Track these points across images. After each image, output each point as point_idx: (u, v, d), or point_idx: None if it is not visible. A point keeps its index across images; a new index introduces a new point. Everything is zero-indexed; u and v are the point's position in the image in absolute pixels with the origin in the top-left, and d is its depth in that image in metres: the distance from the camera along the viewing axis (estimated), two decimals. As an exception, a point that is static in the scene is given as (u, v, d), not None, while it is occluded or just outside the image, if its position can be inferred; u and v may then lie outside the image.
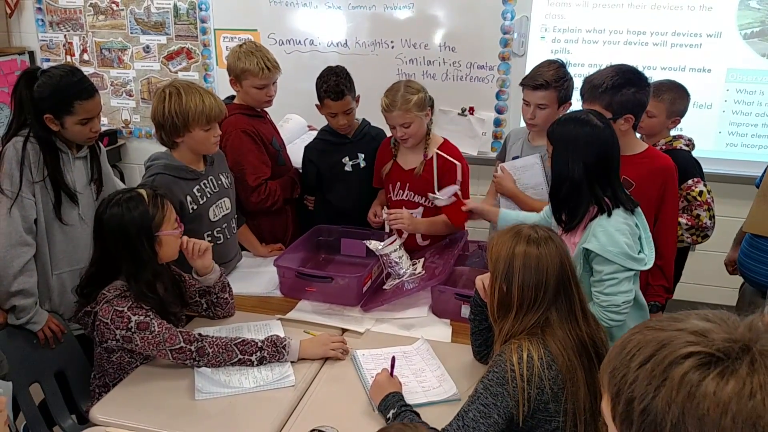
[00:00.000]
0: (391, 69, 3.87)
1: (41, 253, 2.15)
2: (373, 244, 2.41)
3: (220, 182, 2.45)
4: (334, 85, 2.63)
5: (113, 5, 4.25)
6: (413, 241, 2.71)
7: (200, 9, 4.11)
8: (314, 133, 3.19)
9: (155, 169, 2.28)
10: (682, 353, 0.72)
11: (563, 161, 1.95)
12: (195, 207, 2.33)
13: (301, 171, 2.96)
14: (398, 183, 2.70)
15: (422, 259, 2.49)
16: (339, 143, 2.83)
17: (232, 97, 2.82)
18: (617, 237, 1.89)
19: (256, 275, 2.59)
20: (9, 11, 4.39)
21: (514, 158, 2.67)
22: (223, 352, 1.87)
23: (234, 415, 1.74)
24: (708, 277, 3.31)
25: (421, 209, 2.67)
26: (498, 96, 3.80)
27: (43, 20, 4.40)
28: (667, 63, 3.54)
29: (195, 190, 2.34)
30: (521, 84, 2.56)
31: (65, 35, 4.41)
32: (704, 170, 2.67)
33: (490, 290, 1.65)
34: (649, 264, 1.96)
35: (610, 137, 1.95)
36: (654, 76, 3.55)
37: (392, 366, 1.80)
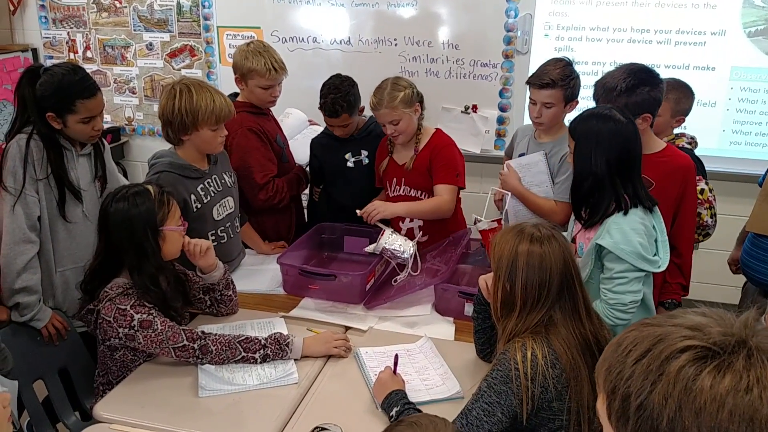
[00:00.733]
0: (395, 67, 3.86)
1: (45, 250, 2.15)
2: (370, 248, 2.41)
3: (223, 181, 2.45)
4: (330, 103, 2.64)
5: (116, 2, 4.25)
6: (412, 237, 2.70)
7: (203, 6, 4.11)
8: (316, 128, 3.21)
9: (159, 167, 2.28)
10: (679, 347, 0.72)
11: (586, 157, 1.95)
12: (199, 206, 2.33)
13: (304, 167, 2.98)
14: (394, 179, 2.71)
15: (414, 240, 2.48)
16: (342, 139, 2.84)
17: (235, 95, 2.82)
18: (632, 236, 1.89)
19: (259, 273, 2.59)
20: (12, 8, 4.39)
21: (520, 155, 2.67)
22: (227, 350, 1.87)
23: (237, 412, 1.74)
24: (711, 275, 3.30)
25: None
26: (501, 94, 3.80)
27: (46, 17, 4.40)
28: (671, 61, 3.53)
29: (199, 188, 2.34)
30: (528, 82, 2.54)
31: (68, 32, 4.41)
32: (708, 168, 2.66)
33: (493, 289, 1.65)
34: (663, 267, 1.95)
35: (633, 133, 1.95)
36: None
37: (395, 364, 1.80)
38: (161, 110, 2.27)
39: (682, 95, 2.65)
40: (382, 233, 2.40)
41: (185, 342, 1.85)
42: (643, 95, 2.17)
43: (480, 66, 3.78)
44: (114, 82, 4.43)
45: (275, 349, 1.91)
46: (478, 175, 3.90)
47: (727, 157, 3.59)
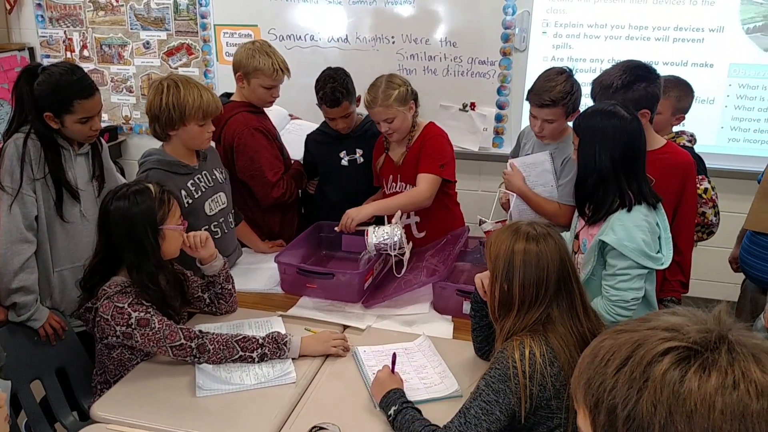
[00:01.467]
0: (392, 64, 3.86)
1: (42, 250, 2.15)
2: (366, 254, 2.41)
3: (214, 177, 2.45)
4: (330, 92, 2.64)
5: (113, 1, 4.24)
6: (409, 234, 2.70)
7: (200, 4, 4.10)
8: (299, 122, 3.22)
9: (148, 165, 2.28)
10: (659, 350, 0.71)
11: (590, 153, 1.94)
12: (190, 201, 2.32)
13: (300, 163, 2.99)
14: (390, 176, 2.72)
15: (398, 219, 2.46)
16: (338, 137, 2.84)
17: (228, 95, 2.82)
18: (635, 233, 1.88)
19: (257, 271, 2.59)
20: (8, 7, 4.38)
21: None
22: (224, 349, 1.86)
23: (235, 411, 1.73)
24: (711, 272, 3.30)
25: None
26: (499, 91, 3.79)
27: (42, 16, 4.39)
28: (669, 58, 3.53)
29: (189, 184, 2.33)
30: (527, 99, 2.50)
31: (65, 31, 4.40)
32: (707, 165, 2.66)
33: (490, 290, 1.64)
34: (666, 264, 1.94)
35: (638, 130, 1.95)
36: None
37: (393, 362, 1.80)
38: (149, 106, 2.27)
39: (682, 93, 2.65)
40: (366, 234, 2.39)
41: (183, 341, 1.84)
42: (640, 91, 2.16)
43: (478, 63, 3.78)
44: (111, 81, 4.42)
45: (273, 348, 1.90)
46: (476, 173, 3.90)
47: (725, 154, 3.59)
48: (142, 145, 4.46)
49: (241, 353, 1.87)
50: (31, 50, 4.49)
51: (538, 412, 1.50)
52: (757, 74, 3.48)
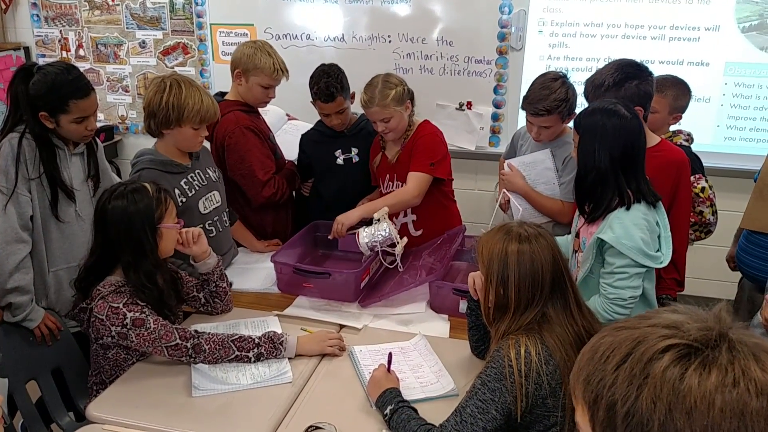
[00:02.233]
0: (389, 63, 3.86)
1: (37, 250, 2.14)
2: (364, 254, 2.41)
3: (207, 176, 2.45)
4: (324, 87, 2.63)
5: (109, 0, 4.23)
6: (405, 232, 2.71)
7: (196, 4, 4.10)
8: (296, 123, 3.21)
9: (140, 164, 2.28)
10: (660, 347, 0.71)
11: (590, 151, 1.94)
12: (184, 200, 2.32)
13: (294, 163, 2.98)
14: (387, 175, 2.72)
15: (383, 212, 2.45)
16: (333, 136, 2.83)
17: (222, 95, 2.81)
18: (633, 231, 1.88)
19: (253, 271, 2.58)
20: (4, 6, 4.37)
21: None
22: (220, 349, 1.86)
23: (231, 411, 1.73)
24: (707, 271, 3.31)
25: None
26: (496, 90, 3.79)
27: (38, 15, 4.38)
28: (666, 57, 3.53)
29: (182, 183, 2.33)
30: (522, 108, 2.50)
31: (60, 31, 4.39)
32: (703, 164, 2.66)
33: (483, 293, 1.64)
34: (665, 263, 1.94)
35: (638, 128, 1.95)
36: (652, 70, 3.56)
37: (389, 362, 1.80)
38: (147, 101, 2.26)
39: (679, 92, 2.65)
40: (357, 236, 2.39)
41: (178, 341, 1.84)
42: (632, 89, 2.17)
43: (474, 62, 3.78)
44: (107, 81, 4.41)
45: (269, 348, 1.90)
46: (473, 172, 3.90)
47: (721, 152, 3.60)
48: (138, 144, 4.44)
49: (237, 353, 1.87)
50: (27, 50, 4.48)
51: (534, 411, 1.50)
52: (752, 73, 3.49)
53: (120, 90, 4.42)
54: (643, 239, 1.89)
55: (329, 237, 2.54)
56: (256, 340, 1.90)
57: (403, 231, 2.66)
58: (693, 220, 2.54)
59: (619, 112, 1.93)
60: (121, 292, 1.86)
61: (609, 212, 1.95)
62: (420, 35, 3.81)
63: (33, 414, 2.05)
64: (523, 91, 2.51)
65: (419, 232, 2.73)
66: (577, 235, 2.13)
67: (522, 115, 2.67)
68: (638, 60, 2.30)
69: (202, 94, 2.27)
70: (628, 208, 1.92)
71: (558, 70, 2.52)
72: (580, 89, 2.43)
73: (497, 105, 3.82)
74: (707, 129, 3.58)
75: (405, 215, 2.73)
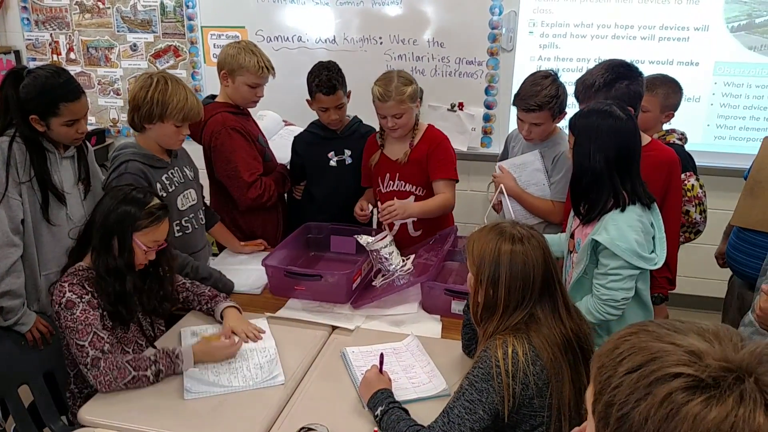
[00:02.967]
0: (380, 65, 3.86)
1: (29, 253, 2.13)
2: (363, 239, 2.41)
3: (184, 173, 2.46)
4: (326, 79, 2.64)
5: (99, 3, 4.23)
6: (405, 232, 2.71)
7: (187, 6, 4.09)
8: (292, 128, 3.21)
9: (125, 156, 2.28)
10: (672, 372, 0.70)
11: (585, 152, 1.95)
12: (164, 195, 2.32)
13: (285, 166, 2.98)
14: (387, 174, 2.71)
15: (412, 256, 2.48)
16: (326, 137, 2.83)
17: (212, 97, 2.81)
18: (628, 233, 1.89)
19: (241, 273, 2.57)
20: (-6, 10, 4.36)
21: None
22: (114, 370, 1.78)
23: (223, 413, 1.73)
24: (698, 269, 3.33)
25: (412, 198, 2.68)
26: (487, 91, 3.80)
27: (28, 19, 4.37)
28: (655, 57, 3.55)
29: (163, 177, 2.34)
30: (514, 104, 2.52)
31: (51, 34, 4.38)
32: (696, 164, 2.67)
33: (473, 292, 1.63)
34: (659, 264, 1.95)
35: (633, 130, 1.96)
36: (642, 70, 3.57)
37: (381, 362, 1.80)
38: (133, 94, 2.27)
39: (670, 90, 2.66)
40: (384, 237, 2.40)
41: (86, 344, 1.81)
42: (622, 89, 2.19)
43: (465, 64, 3.79)
44: (98, 84, 4.40)
45: (167, 363, 1.85)
46: (465, 173, 3.89)
47: (712, 151, 3.61)
48: (130, 147, 4.44)
49: (134, 373, 1.80)
50: (17, 53, 4.46)
51: (520, 411, 1.50)
52: (741, 72, 3.51)
53: (111, 93, 4.41)
54: (638, 241, 1.90)
55: (379, 216, 2.57)
56: (152, 358, 1.84)
57: (402, 231, 2.71)
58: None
59: (614, 114, 1.94)
60: (77, 274, 1.88)
61: (604, 213, 1.96)
62: (411, 37, 3.82)
63: (25, 418, 2.04)
64: (515, 92, 2.52)
65: (418, 233, 2.73)
66: (572, 236, 2.14)
67: (513, 117, 2.68)
68: (628, 60, 2.32)
69: (188, 93, 2.28)
70: (623, 210, 1.93)
71: (549, 69, 2.53)
72: (570, 89, 2.44)
73: (489, 106, 3.83)
74: (697, 128, 3.60)
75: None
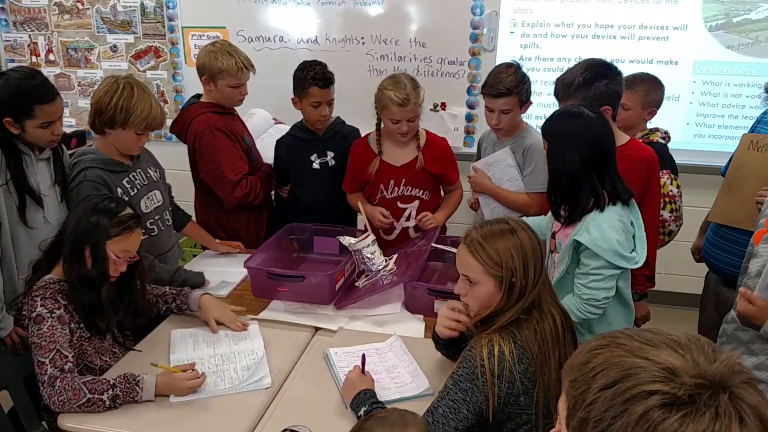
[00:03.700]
0: (363, 65, 3.87)
1: (6, 257, 2.11)
2: (347, 240, 2.42)
3: (148, 175, 2.43)
4: (321, 72, 2.64)
5: (78, 4, 4.18)
6: (406, 235, 2.74)
7: (167, 7, 4.06)
8: (281, 127, 3.20)
9: (84, 163, 2.25)
10: (647, 390, 0.70)
11: (559, 155, 1.96)
12: (126, 198, 2.30)
13: (271, 165, 2.96)
14: (392, 181, 2.68)
15: (395, 256, 2.48)
16: (308, 140, 2.81)
17: (198, 96, 2.80)
18: (609, 233, 1.90)
19: (212, 275, 2.55)
20: (-29, 11, 4.30)
21: None
22: (69, 391, 1.71)
23: (208, 416, 1.72)
24: (676, 266, 3.35)
25: (416, 203, 2.70)
26: (469, 91, 3.82)
27: (6, 20, 4.31)
28: (635, 56, 3.58)
29: (125, 182, 2.31)
30: (482, 93, 2.60)
31: (30, 35, 4.32)
32: (676, 163, 2.69)
33: (483, 299, 1.59)
34: (640, 263, 1.97)
35: (604, 128, 1.97)
36: (622, 68, 3.59)
37: (363, 363, 1.80)
38: (96, 98, 2.24)
39: (650, 87, 2.67)
40: (366, 236, 2.40)
41: (46, 361, 1.75)
42: (601, 88, 2.21)
43: (447, 64, 3.80)
44: (78, 85, 4.35)
45: (125, 389, 1.74)
46: (449, 173, 3.91)
47: (691, 149, 3.65)
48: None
49: (88, 396, 1.71)
50: (-5, 55, 4.41)
51: (506, 409, 1.51)
52: (720, 71, 3.55)
53: (92, 94, 4.35)
54: (619, 241, 1.91)
55: (386, 221, 2.65)
56: (111, 381, 1.75)
57: (402, 234, 2.73)
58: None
59: (583, 114, 1.96)
60: (49, 288, 1.85)
61: (585, 214, 1.97)
62: (393, 37, 3.82)
63: (5, 424, 2.02)
64: (485, 104, 2.61)
65: (414, 222, 2.74)
66: (553, 236, 2.15)
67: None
68: (608, 59, 2.34)
69: (153, 101, 2.24)
70: (602, 210, 1.94)
71: (511, 61, 2.67)
72: (551, 89, 2.46)
73: (471, 106, 3.84)
74: (677, 127, 3.62)
75: (408, 219, 2.74)
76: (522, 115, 2.67)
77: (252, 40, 3.98)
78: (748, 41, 3.46)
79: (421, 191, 2.69)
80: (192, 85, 4.03)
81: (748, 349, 1.90)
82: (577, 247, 1.97)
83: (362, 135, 2.85)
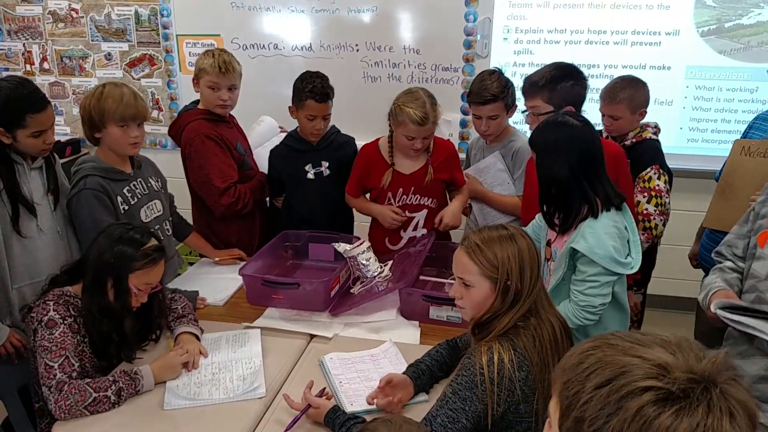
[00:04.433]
0: (357, 72, 3.88)
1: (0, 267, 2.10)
2: (342, 247, 2.42)
3: (149, 185, 2.43)
4: (320, 87, 2.63)
5: (73, 12, 4.19)
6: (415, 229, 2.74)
7: (162, 15, 4.07)
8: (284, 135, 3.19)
9: (84, 171, 2.25)
10: (641, 386, 0.72)
11: (548, 165, 1.98)
12: (126, 207, 2.30)
13: (266, 174, 2.96)
14: (400, 189, 2.68)
15: (390, 262, 2.49)
16: (302, 150, 2.80)
17: (196, 102, 2.81)
18: (605, 240, 1.91)
19: (210, 283, 2.55)
20: (-35, 20, 4.30)
21: None
22: (76, 393, 1.72)
23: (202, 424, 1.71)
24: (672, 271, 3.36)
25: (425, 212, 2.69)
26: (463, 97, 3.82)
27: (0, 29, 4.31)
28: (628, 61, 3.59)
29: (125, 190, 2.31)
30: (469, 102, 2.64)
31: (24, 44, 4.32)
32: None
33: (478, 300, 1.59)
34: (635, 268, 1.97)
35: (590, 134, 1.99)
36: (615, 74, 3.61)
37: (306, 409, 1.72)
38: (80, 109, 2.28)
39: (632, 92, 2.65)
40: (361, 243, 2.41)
41: (55, 365, 1.75)
42: (566, 88, 2.27)
43: (441, 70, 3.81)
44: (72, 94, 4.35)
45: (127, 381, 1.78)
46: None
47: (685, 154, 3.67)
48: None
49: (94, 395, 1.72)
50: (-11, 64, 4.41)
51: (506, 417, 1.50)
52: (712, 76, 3.57)
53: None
54: (615, 247, 1.92)
55: (399, 218, 2.64)
56: (112, 378, 1.78)
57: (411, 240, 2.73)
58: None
59: (568, 123, 1.98)
60: (63, 296, 1.85)
61: (579, 221, 1.98)
62: (387, 43, 3.84)
63: (-2, 434, 2.02)
64: (472, 112, 2.63)
65: (422, 231, 2.74)
66: (549, 244, 2.15)
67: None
68: (602, 65, 2.38)
69: (124, 92, 2.23)
70: (596, 217, 1.95)
71: (493, 68, 2.71)
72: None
73: (465, 112, 3.85)
74: (670, 131, 3.64)
75: (415, 229, 2.74)
76: (509, 119, 2.71)
77: (246, 47, 3.99)
78: (739, 46, 3.48)
79: (429, 199, 2.68)
80: (187, 92, 4.04)
81: (759, 351, 1.89)
82: (573, 254, 1.97)
83: (356, 143, 2.85)
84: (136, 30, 4.15)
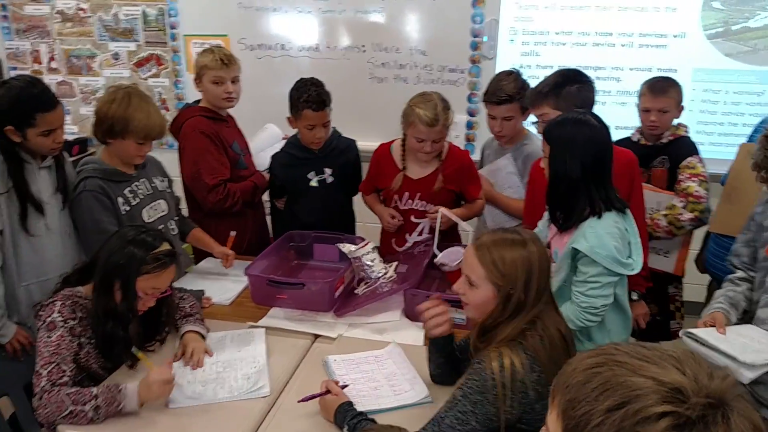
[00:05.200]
0: (363, 73, 3.89)
1: (7, 265, 2.12)
2: (346, 247, 2.42)
3: (153, 185, 2.44)
4: (316, 95, 2.60)
5: (81, 12, 4.21)
6: (389, 246, 2.73)
7: (169, 15, 4.09)
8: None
9: (85, 173, 2.26)
10: (657, 411, 0.70)
11: (561, 161, 1.96)
12: (127, 208, 2.31)
13: (263, 175, 2.95)
14: (406, 193, 2.67)
15: (395, 263, 2.49)
16: (304, 158, 2.79)
17: (197, 102, 2.82)
18: (607, 240, 1.90)
19: (215, 283, 2.56)
20: (-26, 20, 4.32)
21: None
22: (53, 404, 1.68)
23: (206, 423, 1.72)
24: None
25: (427, 220, 2.64)
26: (470, 99, 3.83)
27: (8, 28, 4.34)
28: (635, 63, 3.59)
29: (126, 191, 2.32)
30: (484, 101, 2.61)
31: (32, 43, 4.35)
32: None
33: (479, 304, 1.59)
34: (636, 269, 1.96)
35: (607, 138, 1.98)
36: (622, 76, 3.61)
37: (318, 394, 1.75)
38: (97, 108, 2.26)
39: (678, 89, 2.68)
40: (366, 244, 2.41)
41: (44, 372, 1.74)
42: (572, 92, 2.25)
43: (448, 71, 3.82)
44: (80, 93, 4.37)
45: (108, 398, 1.70)
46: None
47: (691, 157, 3.65)
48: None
49: (71, 408, 1.67)
50: (-2, 63, 4.43)
51: (524, 418, 1.47)
52: (719, 78, 3.56)
53: (93, 102, 4.39)
54: (616, 247, 1.91)
55: (395, 222, 2.63)
56: (94, 392, 1.71)
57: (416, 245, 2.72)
58: (683, 199, 2.56)
59: (589, 122, 1.96)
60: (72, 298, 1.84)
61: (581, 221, 1.97)
62: (394, 45, 3.84)
63: (6, 430, 2.03)
64: (487, 112, 2.62)
65: (427, 237, 2.73)
66: (548, 245, 2.15)
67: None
68: (608, 67, 2.37)
69: (152, 110, 2.25)
70: (599, 217, 1.95)
71: (511, 68, 2.67)
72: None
73: (471, 113, 3.86)
74: (677, 134, 3.64)
75: (420, 234, 2.72)
76: (523, 121, 2.68)
77: (254, 48, 4.00)
78: (746, 49, 3.47)
79: (430, 206, 2.65)
80: (193, 92, 4.02)
81: None
82: (574, 255, 1.97)
83: (359, 145, 2.86)
84: (144, 30, 4.18)
